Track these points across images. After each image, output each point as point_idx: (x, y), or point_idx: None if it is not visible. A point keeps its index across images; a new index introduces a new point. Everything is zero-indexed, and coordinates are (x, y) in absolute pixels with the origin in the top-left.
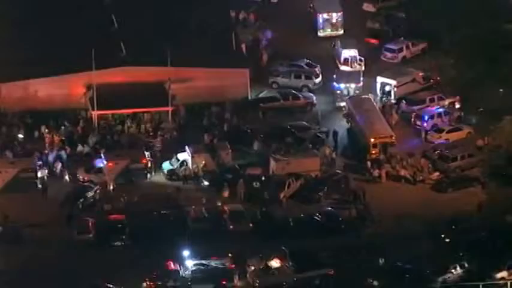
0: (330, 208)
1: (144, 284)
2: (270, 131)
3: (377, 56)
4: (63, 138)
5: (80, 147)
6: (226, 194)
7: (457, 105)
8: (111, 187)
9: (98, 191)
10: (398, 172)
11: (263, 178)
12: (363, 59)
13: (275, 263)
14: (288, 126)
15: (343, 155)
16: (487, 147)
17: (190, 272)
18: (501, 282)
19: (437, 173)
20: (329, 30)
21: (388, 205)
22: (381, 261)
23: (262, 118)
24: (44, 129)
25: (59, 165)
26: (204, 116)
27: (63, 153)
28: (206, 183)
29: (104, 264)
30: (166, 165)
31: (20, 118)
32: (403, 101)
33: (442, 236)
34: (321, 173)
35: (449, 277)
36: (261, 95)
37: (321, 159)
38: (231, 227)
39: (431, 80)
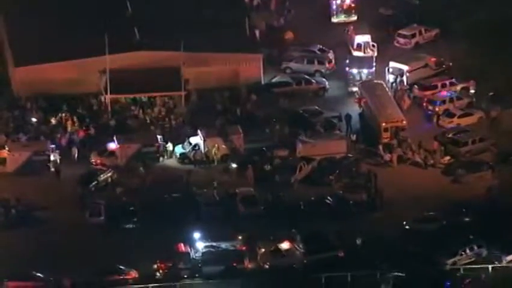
0: (340, 192)
1: (155, 266)
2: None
3: (390, 41)
4: (77, 121)
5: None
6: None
7: (472, 91)
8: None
9: (110, 174)
10: (409, 156)
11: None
12: (375, 44)
13: (285, 246)
14: (301, 111)
15: (355, 139)
16: (499, 126)
17: (201, 254)
18: (511, 265)
19: (448, 157)
20: (343, 16)
21: (398, 189)
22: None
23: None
24: (62, 114)
25: (75, 150)
26: (217, 101)
27: (75, 136)
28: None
29: (115, 246)
30: (178, 149)
31: (33, 102)
32: (415, 86)
33: (404, 223)
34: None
35: (459, 260)
36: (273, 80)
37: None
38: (242, 209)
39: (444, 66)
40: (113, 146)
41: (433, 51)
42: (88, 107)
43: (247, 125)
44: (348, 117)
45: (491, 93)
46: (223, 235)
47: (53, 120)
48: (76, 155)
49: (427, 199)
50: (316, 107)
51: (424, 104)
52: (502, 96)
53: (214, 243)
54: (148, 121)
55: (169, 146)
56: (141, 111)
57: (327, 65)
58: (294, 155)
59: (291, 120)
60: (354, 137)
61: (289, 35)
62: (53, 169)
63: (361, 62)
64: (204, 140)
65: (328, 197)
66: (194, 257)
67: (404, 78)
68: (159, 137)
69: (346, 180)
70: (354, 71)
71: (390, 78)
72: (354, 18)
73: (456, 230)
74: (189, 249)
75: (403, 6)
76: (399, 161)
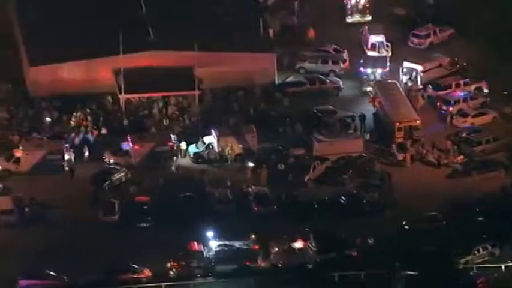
0: (354, 191)
1: (169, 265)
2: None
3: (404, 41)
4: (90, 121)
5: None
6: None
7: (486, 90)
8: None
9: (124, 173)
10: (423, 156)
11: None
12: (389, 44)
13: (298, 245)
14: (315, 110)
15: (369, 139)
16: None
17: (214, 253)
18: None
19: (461, 157)
20: (357, 16)
21: (412, 188)
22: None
23: None
24: (76, 113)
25: (86, 149)
26: (231, 100)
27: (89, 136)
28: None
29: (128, 245)
30: (192, 148)
31: (48, 102)
32: (429, 86)
33: (403, 223)
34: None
35: (472, 259)
36: (287, 80)
37: None
38: (256, 208)
39: (458, 66)
40: (126, 145)
41: (447, 51)
42: (102, 106)
43: (261, 124)
44: (362, 116)
45: (505, 93)
46: (237, 234)
47: (70, 121)
48: (87, 154)
49: (440, 198)
50: (330, 107)
51: (438, 104)
52: None
53: (227, 242)
54: (162, 121)
55: (183, 145)
56: (155, 110)
57: (341, 64)
58: (311, 154)
59: (305, 119)
60: (367, 137)
61: (311, 34)
62: (67, 168)
63: (375, 62)
64: (218, 140)
65: (342, 196)
66: (207, 255)
67: (419, 78)
68: (172, 136)
69: (360, 179)
70: (368, 70)
71: (404, 78)
72: (369, 18)
73: (470, 229)
74: (202, 248)
75: (418, 6)
76: (413, 160)
